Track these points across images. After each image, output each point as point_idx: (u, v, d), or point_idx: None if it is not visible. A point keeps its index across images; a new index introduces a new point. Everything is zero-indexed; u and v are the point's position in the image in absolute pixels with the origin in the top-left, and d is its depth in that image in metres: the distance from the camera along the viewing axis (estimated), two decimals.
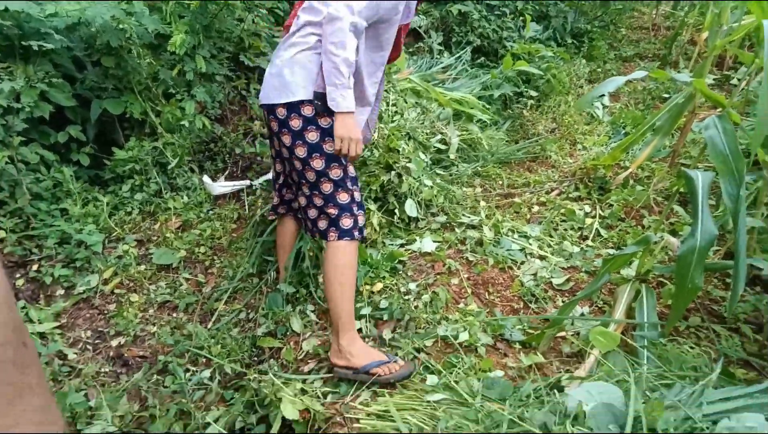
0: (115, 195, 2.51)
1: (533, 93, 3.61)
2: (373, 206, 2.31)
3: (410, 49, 3.77)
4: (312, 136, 1.60)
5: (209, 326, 2.03)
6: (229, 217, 2.54)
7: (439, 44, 3.82)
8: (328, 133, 1.60)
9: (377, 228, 2.28)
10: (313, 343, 1.88)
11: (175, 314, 2.08)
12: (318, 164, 1.62)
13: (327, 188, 1.65)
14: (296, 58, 1.60)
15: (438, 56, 3.64)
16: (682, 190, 2.51)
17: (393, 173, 2.33)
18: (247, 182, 2.71)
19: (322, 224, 1.70)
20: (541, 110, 3.59)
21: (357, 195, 1.70)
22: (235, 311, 2.09)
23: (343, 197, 1.66)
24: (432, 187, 2.47)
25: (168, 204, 2.54)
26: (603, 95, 3.84)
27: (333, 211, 1.66)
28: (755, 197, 1.91)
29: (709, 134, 1.54)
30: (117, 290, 2.15)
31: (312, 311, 2.00)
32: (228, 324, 2.02)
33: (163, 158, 2.60)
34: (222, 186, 2.66)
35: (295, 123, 1.60)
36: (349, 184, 1.68)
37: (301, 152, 1.62)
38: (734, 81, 3.72)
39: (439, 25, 3.95)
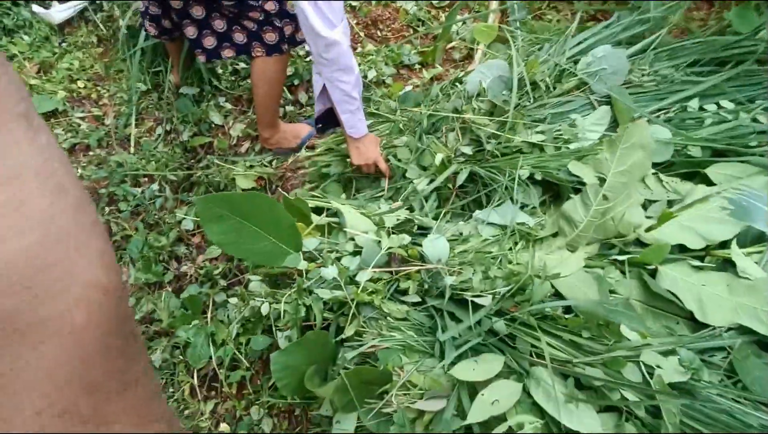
0: None
1: None
2: None
3: None
4: None
5: (132, 151, 2.04)
6: (89, 42, 2.30)
7: None
8: None
9: None
10: (239, 128, 1.99)
11: (91, 153, 2.04)
12: None
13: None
14: None
15: None
16: None
17: None
18: None
19: (239, 38, 1.60)
20: None
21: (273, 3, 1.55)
22: (148, 128, 2.08)
23: (269, 6, 1.54)
24: None
25: (10, 50, 2.23)
26: None
27: (250, 24, 1.56)
28: None
29: None
30: None
31: (226, 102, 2.05)
32: (151, 142, 2.03)
33: None
34: (60, 11, 2.31)
35: None
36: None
37: None
38: None
39: None
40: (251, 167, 1.83)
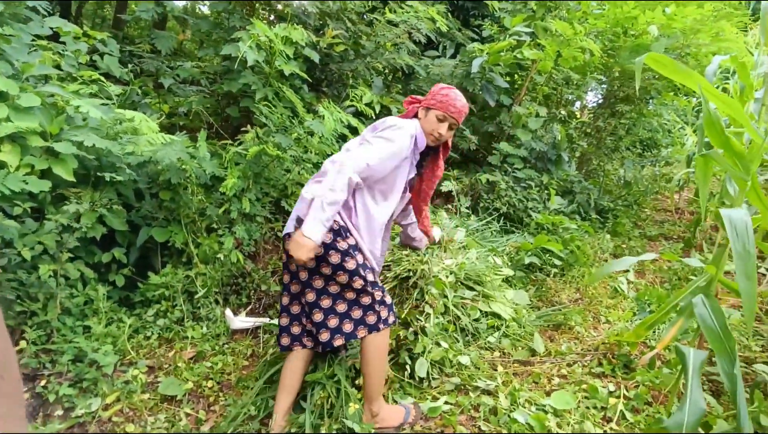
0: (139, 318, 2.58)
1: (557, 262, 3.68)
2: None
3: (440, 210, 4.02)
4: (334, 258, 1.87)
5: None
6: (243, 353, 2.53)
7: (467, 208, 4.07)
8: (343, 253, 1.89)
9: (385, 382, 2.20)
10: None
11: None
12: (343, 278, 1.87)
13: (350, 295, 1.91)
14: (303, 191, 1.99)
15: (466, 219, 3.85)
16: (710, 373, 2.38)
17: (410, 330, 2.33)
18: (267, 319, 2.75)
19: (348, 327, 1.91)
20: (564, 279, 3.62)
21: (378, 294, 1.93)
22: None
23: (365, 300, 1.91)
24: (447, 350, 2.43)
25: (187, 333, 2.58)
26: (627, 271, 3.88)
27: (357, 313, 1.91)
28: None
29: (699, 312, 1.53)
30: (115, 418, 2.09)
31: None
32: None
33: (192, 286, 2.71)
34: (242, 321, 2.70)
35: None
36: (369, 288, 1.90)
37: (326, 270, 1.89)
38: (761, 270, 3.72)
39: (468, 190, 4.25)
40: None
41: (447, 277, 2.61)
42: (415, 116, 2.17)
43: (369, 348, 1.93)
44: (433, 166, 2.28)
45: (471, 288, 2.80)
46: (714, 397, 2.23)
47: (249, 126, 3.10)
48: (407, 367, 2.33)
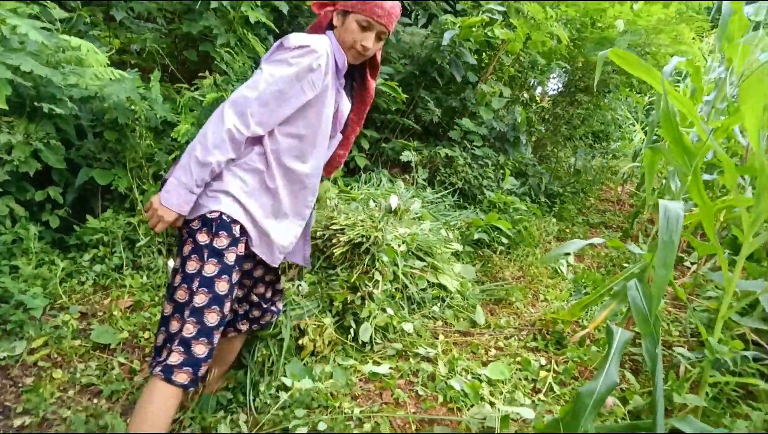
0: (73, 262, 2.45)
1: (504, 240, 3.80)
2: (329, 320, 2.28)
3: (398, 179, 4.03)
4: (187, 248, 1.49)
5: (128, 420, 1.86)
6: None
7: (424, 180, 4.09)
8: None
9: (326, 343, 2.22)
10: None
11: (96, 401, 1.91)
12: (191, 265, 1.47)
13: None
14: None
15: (422, 190, 3.87)
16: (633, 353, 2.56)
17: (358, 294, 2.35)
18: None
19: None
20: (509, 258, 3.75)
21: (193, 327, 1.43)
22: None
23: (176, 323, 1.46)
24: (392, 316, 2.47)
25: (125, 281, 2.48)
26: (568, 254, 4.06)
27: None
28: (701, 375, 1.95)
29: (631, 295, 1.63)
30: (41, 363, 2.00)
31: (245, 422, 1.87)
32: None
33: (134, 234, 2.59)
34: None
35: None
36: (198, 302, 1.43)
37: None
38: (686, 263, 4.00)
39: (427, 163, 4.27)
40: None
41: (399, 246, 2.64)
42: (330, 26, 1.60)
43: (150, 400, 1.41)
44: (361, 91, 1.74)
45: (421, 259, 2.85)
46: (633, 375, 2.40)
47: (207, 72, 2.94)
48: (351, 331, 2.36)
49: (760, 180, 1.55)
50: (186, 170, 1.39)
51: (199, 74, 3.04)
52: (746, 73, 1.65)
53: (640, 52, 4.96)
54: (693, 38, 5.13)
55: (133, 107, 2.50)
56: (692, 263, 3.83)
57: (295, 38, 1.47)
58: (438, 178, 4.25)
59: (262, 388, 1.98)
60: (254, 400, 1.95)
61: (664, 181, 4.47)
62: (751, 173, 2.10)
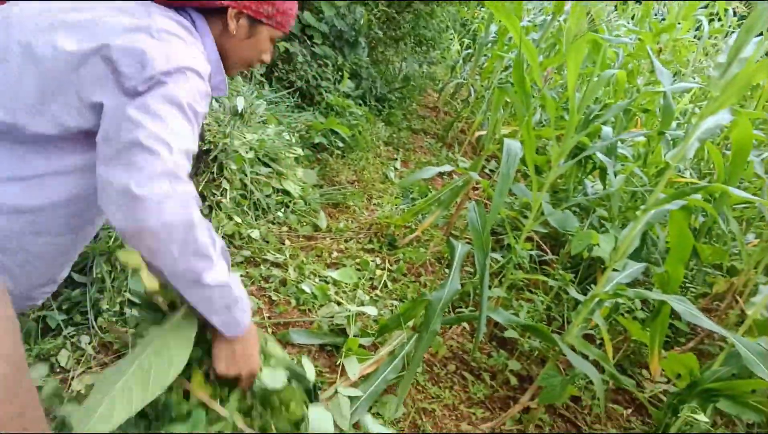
0: None
1: (340, 144, 3.92)
2: None
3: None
4: None
5: None
6: None
7: (261, 75, 3.84)
8: None
9: None
10: (85, 382, 1.64)
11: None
12: None
13: None
14: None
15: (260, 87, 3.65)
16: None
17: (206, 204, 2.24)
18: None
19: None
20: (344, 161, 3.91)
21: None
22: None
23: None
24: (239, 224, 2.45)
25: None
26: (396, 159, 4.42)
27: None
28: (501, 271, 2.48)
29: (470, 215, 1.99)
30: None
31: (88, 344, 1.75)
32: None
33: None
34: None
35: None
36: None
37: None
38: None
39: None
40: None
41: (247, 153, 2.53)
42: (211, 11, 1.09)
43: None
44: None
45: (267, 165, 2.80)
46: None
47: None
48: None
49: (571, 119, 1.92)
50: (214, 295, 0.91)
51: None
52: (578, 35, 1.96)
53: None
54: None
55: None
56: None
57: (161, 55, 0.93)
58: (276, 74, 4.03)
59: (104, 305, 1.85)
60: (96, 318, 1.81)
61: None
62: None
